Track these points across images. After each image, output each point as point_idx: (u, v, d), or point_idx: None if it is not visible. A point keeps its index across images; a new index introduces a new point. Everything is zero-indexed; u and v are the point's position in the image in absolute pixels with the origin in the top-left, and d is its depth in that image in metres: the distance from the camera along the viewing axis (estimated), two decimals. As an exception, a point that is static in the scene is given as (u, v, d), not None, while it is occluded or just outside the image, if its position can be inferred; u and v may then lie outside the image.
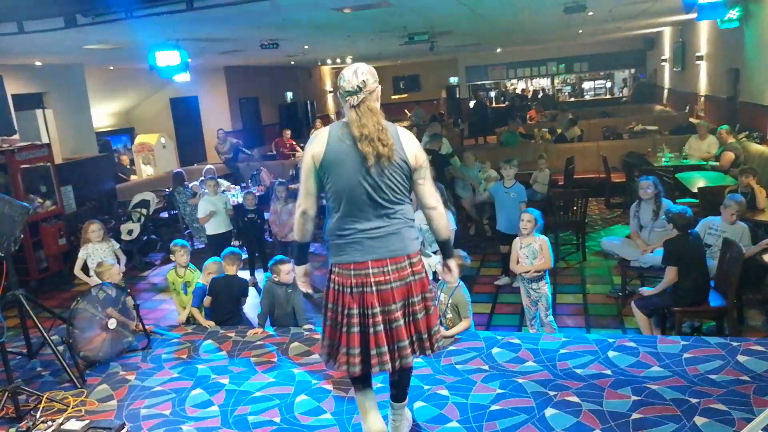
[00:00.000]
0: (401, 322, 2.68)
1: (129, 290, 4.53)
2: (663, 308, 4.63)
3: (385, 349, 2.67)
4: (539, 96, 21.44)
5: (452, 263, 2.90)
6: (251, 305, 5.44)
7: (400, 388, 2.94)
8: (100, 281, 4.61)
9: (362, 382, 2.86)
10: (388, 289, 2.66)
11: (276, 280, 4.52)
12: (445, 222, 2.82)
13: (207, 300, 4.77)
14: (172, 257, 5.26)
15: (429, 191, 2.75)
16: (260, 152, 13.98)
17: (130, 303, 4.38)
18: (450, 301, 4.20)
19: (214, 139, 14.52)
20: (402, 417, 3.00)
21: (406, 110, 19.67)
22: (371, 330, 2.66)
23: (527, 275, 4.82)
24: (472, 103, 20.74)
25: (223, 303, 4.76)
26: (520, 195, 6.49)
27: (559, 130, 12.72)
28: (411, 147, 2.68)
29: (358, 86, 2.62)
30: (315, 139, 2.70)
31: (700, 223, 5.21)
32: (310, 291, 3.16)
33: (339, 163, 2.62)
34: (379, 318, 2.66)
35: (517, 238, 4.99)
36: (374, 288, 2.66)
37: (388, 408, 3.02)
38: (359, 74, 2.64)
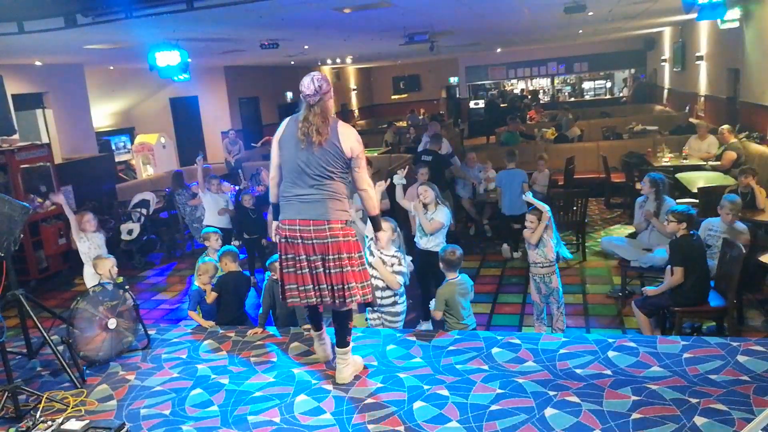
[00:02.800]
0: (321, 269, 3.38)
1: (128, 286, 4.53)
2: (663, 308, 4.63)
3: (310, 287, 3.42)
4: (538, 96, 21.45)
5: (379, 234, 3.68)
6: (250, 305, 5.45)
7: (336, 333, 3.61)
8: (99, 274, 4.66)
9: (311, 321, 3.85)
10: (309, 243, 3.36)
11: (275, 278, 4.51)
12: (373, 203, 3.53)
13: (211, 296, 4.75)
14: (206, 243, 5.56)
15: (362, 178, 3.44)
16: (260, 152, 14.00)
17: (129, 303, 4.38)
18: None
19: (215, 139, 14.54)
20: (344, 362, 3.60)
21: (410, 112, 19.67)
22: (299, 271, 3.41)
23: (532, 237, 4.83)
24: (482, 102, 20.77)
25: (231, 301, 4.77)
26: (520, 176, 7.37)
27: (553, 132, 12.73)
28: (347, 140, 3.34)
29: (315, 90, 3.30)
30: (280, 127, 3.50)
31: (701, 224, 5.22)
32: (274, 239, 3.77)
33: (287, 143, 3.40)
34: (305, 263, 3.39)
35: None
36: (299, 240, 3.37)
37: None
38: (315, 81, 3.32)
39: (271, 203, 3.68)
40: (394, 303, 4.45)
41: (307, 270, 3.40)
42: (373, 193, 3.53)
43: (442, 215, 5.29)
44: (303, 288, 3.44)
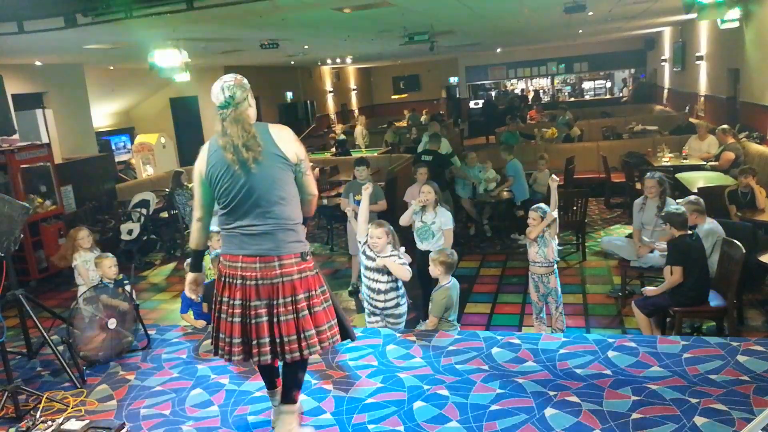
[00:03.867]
0: (264, 319, 2.79)
1: (127, 283, 4.52)
2: (663, 308, 4.63)
3: (239, 340, 2.82)
4: (538, 96, 21.46)
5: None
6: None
7: (284, 387, 3.03)
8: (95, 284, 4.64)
9: (263, 376, 3.19)
10: (252, 285, 2.79)
11: None
12: (313, 207, 3.08)
13: (204, 306, 4.72)
14: (208, 243, 5.34)
15: (309, 182, 2.96)
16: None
17: (129, 303, 4.38)
18: (432, 295, 4.36)
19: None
20: (281, 423, 2.99)
21: (405, 111, 19.67)
22: (230, 319, 2.83)
23: (533, 233, 4.83)
24: (481, 102, 20.77)
25: None
26: (509, 169, 8.44)
27: (553, 132, 12.73)
28: (288, 145, 2.82)
29: (226, 101, 2.79)
30: (198, 156, 2.90)
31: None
32: (195, 298, 3.43)
33: (218, 170, 2.79)
34: (237, 310, 2.81)
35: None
36: (239, 281, 2.80)
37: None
38: (226, 90, 2.79)
39: (193, 250, 3.13)
40: (397, 305, 4.42)
41: (238, 319, 2.80)
42: (316, 200, 3.07)
43: (447, 219, 5.28)
44: (230, 341, 2.83)
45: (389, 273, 4.34)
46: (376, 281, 4.36)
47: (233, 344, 2.82)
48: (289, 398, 2.99)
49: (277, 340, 2.79)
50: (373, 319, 4.50)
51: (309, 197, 2.99)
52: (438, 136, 9.04)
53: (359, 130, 15.13)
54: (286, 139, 2.83)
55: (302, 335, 2.79)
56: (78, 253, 5.52)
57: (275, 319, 2.78)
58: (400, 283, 4.43)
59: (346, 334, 3.08)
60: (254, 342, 2.80)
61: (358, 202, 6.28)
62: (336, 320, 2.95)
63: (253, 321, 2.79)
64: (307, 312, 2.81)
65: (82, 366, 3.97)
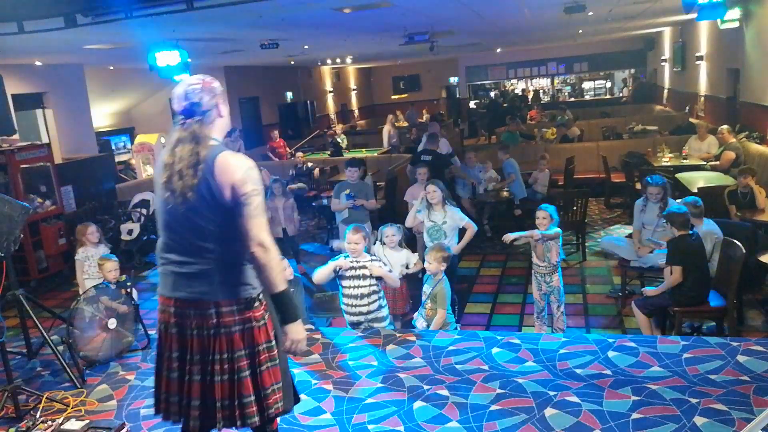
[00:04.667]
0: (196, 378, 2.31)
1: (130, 284, 4.52)
2: (663, 308, 4.63)
3: (175, 399, 2.36)
4: (538, 96, 21.46)
5: (292, 329, 2.36)
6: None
7: None
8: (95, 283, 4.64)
9: None
10: (187, 335, 2.32)
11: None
12: (272, 272, 2.27)
13: None
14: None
15: (251, 226, 2.25)
16: (260, 152, 14.00)
17: (130, 303, 4.38)
18: (431, 291, 4.35)
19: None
20: None
21: (398, 111, 19.63)
22: (165, 372, 2.38)
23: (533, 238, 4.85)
24: (482, 102, 20.76)
25: None
26: (507, 167, 8.54)
27: (553, 132, 12.73)
28: (225, 179, 2.23)
29: (189, 109, 2.32)
30: (156, 164, 2.49)
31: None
32: None
33: (158, 187, 2.37)
34: (175, 364, 2.35)
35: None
36: (174, 329, 2.35)
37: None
38: (191, 95, 2.31)
39: None
40: (380, 307, 4.41)
41: (176, 374, 2.35)
42: (271, 257, 2.27)
43: (460, 214, 5.28)
44: (165, 397, 2.38)
45: (370, 276, 4.31)
46: (357, 287, 4.34)
47: (170, 402, 2.37)
48: None
49: (209, 404, 2.30)
50: (358, 329, 4.42)
51: (250, 247, 2.25)
52: (435, 136, 9.04)
53: (387, 130, 14.36)
54: (224, 171, 2.24)
55: (237, 402, 2.29)
56: (84, 248, 5.52)
57: (208, 378, 2.29)
58: (379, 286, 4.42)
59: (292, 399, 2.50)
60: (184, 402, 2.34)
61: (348, 196, 6.34)
62: (280, 384, 2.38)
63: (187, 378, 2.33)
64: (247, 373, 2.30)
65: (82, 366, 3.97)
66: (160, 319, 2.41)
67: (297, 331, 2.38)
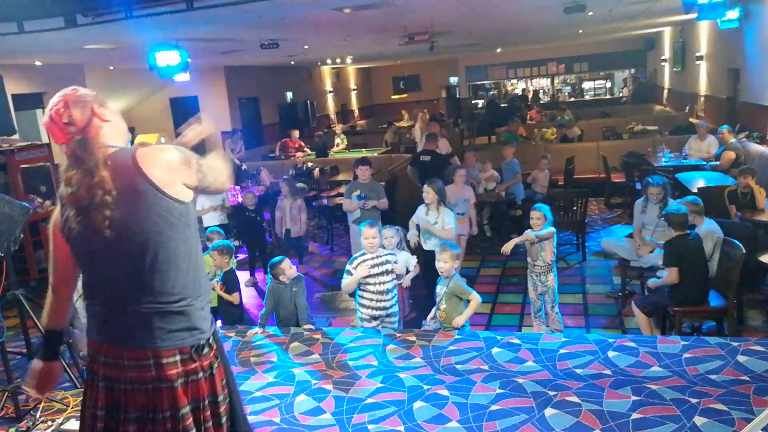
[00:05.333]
0: None
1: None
2: (663, 308, 4.63)
3: None
4: (538, 96, 21.45)
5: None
6: (252, 305, 5.45)
7: None
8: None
9: None
10: (120, 389, 1.96)
11: (279, 280, 4.52)
12: (225, 174, 2.11)
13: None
14: (209, 243, 5.49)
15: (212, 168, 2.05)
16: (260, 152, 14.00)
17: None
18: (446, 291, 4.29)
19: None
20: None
21: (402, 111, 19.64)
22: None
23: (527, 240, 4.87)
24: (483, 102, 20.75)
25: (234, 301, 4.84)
26: (512, 167, 8.46)
27: (553, 132, 12.72)
28: (163, 168, 1.92)
29: (62, 128, 1.96)
30: (55, 210, 2.08)
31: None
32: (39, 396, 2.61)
33: (70, 227, 1.96)
34: (101, 424, 1.98)
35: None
36: (101, 382, 1.98)
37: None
38: (57, 118, 1.98)
39: (43, 332, 2.30)
40: (395, 303, 4.47)
41: None
42: (223, 164, 2.10)
43: (451, 219, 5.29)
44: None
45: (392, 271, 4.42)
46: (383, 283, 4.40)
47: None
48: None
49: None
50: (372, 324, 4.46)
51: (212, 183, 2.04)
52: (434, 135, 9.02)
53: (419, 127, 13.63)
54: (160, 162, 1.93)
55: None
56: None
57: None
58: (395, 282, 4.50)
59: None
60: None
61: (359, 197, 6.32)
62: None
63: None
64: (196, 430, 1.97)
65: (82, 366, 3.97)
66: (89, 368, 2.04)
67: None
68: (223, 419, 2.06)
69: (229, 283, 4.83)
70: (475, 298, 4.25)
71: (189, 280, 1.98)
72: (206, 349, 2.02)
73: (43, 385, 2.20)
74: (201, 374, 2.00)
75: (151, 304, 1.92)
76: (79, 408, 2.12)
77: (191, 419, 1.97)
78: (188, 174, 1.98)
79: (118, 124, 2.11)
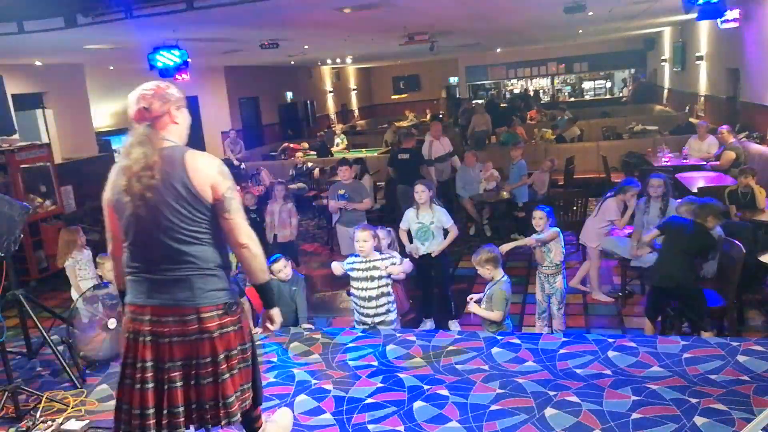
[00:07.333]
0: (178, 384, 2.34)
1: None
2: (662, 307, 4.60)
3: (152, 411, 2.33)
4: (538, 96, 21.44)
5: (272, 313, 2.59)
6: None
7: None
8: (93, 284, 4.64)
9: None
10: (165, 343, 2.33)
11: (278, 279, 4.51)
12: (258, 263, 2.45)
13: None
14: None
15: (236, 227, 2.37)
16: (260, 152, 14.00)
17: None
18: (486, 293, 4.27)
19: (215, 139, 14.53)
20: None
21: (406, 111, 19.65)
22: (137, 386, 2.35)
23: (538, 241, 4.82)
24: (482, 102, 20.76)
25: None
26: (521, 169, 8.21)
27: (551, 132, 12.72)
28: (201, 176, 2.31)
29: (140, 113, 2.38)
30: (108, 180, 2.46)
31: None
32: None
33: (119, 199, 2.36)
34: (149, 374, 2.33)
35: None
36: (148, 338, 2.33)
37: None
38: (141, 101, 2.38)
39: (119, 292, 2.63)
40: (388, 311, 4.42)
41: (151, 384, 2.33)
42: (258, 250, 2.44)
43: (447, 217, 5.26)
44: (139, 412, 2.34)
45: (378, 278, 4.32)
46: (365, 289, 4.34)
47: (145, 416, 2.33)
48: None
49: (193, 407, 2.37)
50: (362, 327, 4.43)
51: (237, 249, 2.41)
52: (411, 134, 9.01)
53: (430, 141, 13.78)
54: (201, 170, 2.31)
55: (222, 402, 2.37)
56: (72, 253, 5.41)
57: (192, 382, 2.35)
58: (390, 289, 4.42)
59: (257, 398, 2.62)
60: (165, 411, 2.35)
61: (341, 197, 6.34)
62: (250, 384, 2.52)
63: (166, 386, 2.33)
64: (227, 375, 2.38)
65: (82, 366, 3.97)
66: (130, 328, 2.38)
67: (275, 314, 2.61)
68: (250, 362, 2.52)
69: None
70: (497, 314, 4.18)
71: (219, 253, 2.40)
72: (235, 307, 2.44)
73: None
74: (231, 328, 2.41)
75: (190, 270, 2.33)
76: (119, 374, 2.46)
77: (225, 365, 2.38)
78: (218, 185, 2.34)
79: (182, 127, 2.48)
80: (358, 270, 4.35)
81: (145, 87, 2.43)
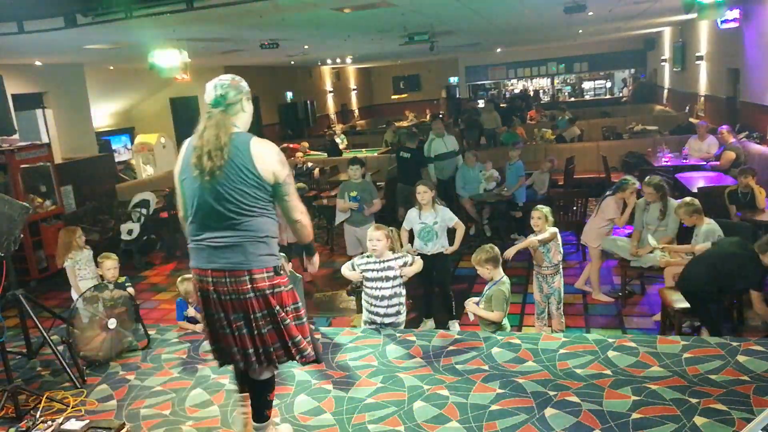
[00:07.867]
0: (245, 331, 2.72)
1: (130, 285, 4.51)
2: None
3: (234, 350, 2.76)
4: (538, 96, 21.44)
5: (314, 258, 3.11)
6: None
7: (254, 406, 2.95)
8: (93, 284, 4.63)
9: (236, 382, 3.08)
10: (227, 300, 2.69)
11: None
12: (307, 232, 2.89)
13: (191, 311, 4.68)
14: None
15: (292, 207, 2.77)
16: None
17: (129, 303, 4.38)
18: (485, 293, 4.27)
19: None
20: None
21: (407, 111, 19.64)
22: (221, 330, 2.77)
23: (538, 242, 4.80)
24: (482, 102, 20.76)
25: None
26: (518, 170, 8.12)
27: (551, 132, 12.73)
28: (266, 165, 2.64)
29: (216, 100, 2.71)
30: (179, 155, 2.84)
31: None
32: None
33: (186, 172, 2.73)
34: (224, 322, 2.73)
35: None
36: (214, 295, 2.71)
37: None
38: (219, 88, 2.71)
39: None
40: (398, 312, 4.41)
41: (228, 330, 2.74)
42: (307, 221, 2.87)
43: (450, 215, 5.24)
44: (229, 350, 2.79)
45: (393, 278, 4.33)
46: (379, 288, 4.34)
47: (233, 354, 2.78)
48: (261, 417, 2.94)
49: (260, 351, 2.74)
50: (371, 327, 4.43)
51: (293, 224, 2.84)
52: (414, 135, 8.99)
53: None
54: (265, 158, 2.64)
55: (291, 342, 2.73)
56: (71, 253, 5.37)
57: (257, 332, 2.71)
58: (403, 290, 4.42)
59: (317, 356, 2.93)
60: (241, 352, 2.76)
61: (353, 199, 6.29)
62: (309, 338, 2.84)
63: (236, 333, 2.73)
64: (288, 321, 2.72)
65: (82, 366, 3.97)
66: (199, 287, 2.76)
67: (316, 257, 3.10)
68: (304, 319, 2.82)
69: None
70: (496, 315, 4.18)
71: (269, 223, 2.72)
72: (282, 271, 2.76)
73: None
74: (283, 288, 2.73)
75: (244, 238, 2.65)
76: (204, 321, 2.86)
77: (283, 315, 2.70)
78: (279, 172, 2.67)
79: (248, 116, 2.81)
80: (373, 270, 4.35)
81: (222, 78, 2.75)
